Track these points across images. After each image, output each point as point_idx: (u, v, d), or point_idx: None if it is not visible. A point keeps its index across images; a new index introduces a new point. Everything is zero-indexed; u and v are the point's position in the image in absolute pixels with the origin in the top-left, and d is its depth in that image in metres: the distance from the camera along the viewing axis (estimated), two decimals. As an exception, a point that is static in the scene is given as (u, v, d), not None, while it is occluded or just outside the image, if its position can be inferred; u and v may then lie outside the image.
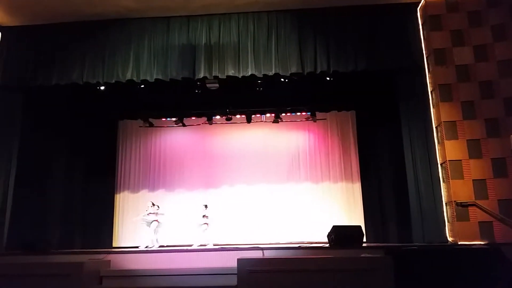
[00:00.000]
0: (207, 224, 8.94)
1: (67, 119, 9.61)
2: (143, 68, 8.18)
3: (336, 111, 10.77)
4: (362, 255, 5.78)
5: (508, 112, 7.21)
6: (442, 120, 7.45)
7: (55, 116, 9.31)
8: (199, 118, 10.87)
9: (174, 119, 10.74)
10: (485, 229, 6.82)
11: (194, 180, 10.70)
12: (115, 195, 10.58)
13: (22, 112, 8.44)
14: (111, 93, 9.23)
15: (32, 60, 8.37)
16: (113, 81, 8.22)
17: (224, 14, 8.38)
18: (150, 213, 9.02)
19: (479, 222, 6.87)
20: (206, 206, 9.15)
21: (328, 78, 8.87)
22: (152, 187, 10.76)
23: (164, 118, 11.01)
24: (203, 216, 8.98)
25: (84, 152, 10.05)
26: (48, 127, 9.14)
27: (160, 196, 10.62)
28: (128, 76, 8.15)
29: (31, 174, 8.58)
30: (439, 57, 7.72)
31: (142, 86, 8.83)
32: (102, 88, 8.88)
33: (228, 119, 10.63)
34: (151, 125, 10.91)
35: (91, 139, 10.16)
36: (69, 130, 9.70)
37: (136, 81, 8.24)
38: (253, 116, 10.68)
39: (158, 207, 9.16)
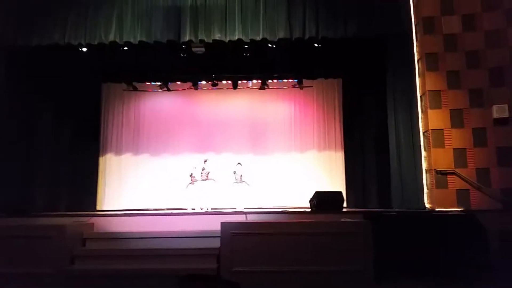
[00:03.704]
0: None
1: (50, 81, 9.38)
2: (127, 29, 7.97)
3: (323, 79, 10.71)
4: (342, 220, 5.92)
5: (493, 83, 7.29)
6: (427, 89, 7.51)
7: (39, 78, 9.07)
8: (184, 83, 10.71)
9: (158, 83, 10.59)
10: (462, 196, 7.04)
11: (179, 146, 10.65)
12: (99, 158, 10.50)
13: (5, 73, 8.21)
14: (94, 55, 8.99)
15: (12, 20, 8.07)
16: (96, 42, 8.01)
17: (211, -26, 8.13)
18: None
19: (457, 190, 7.09)
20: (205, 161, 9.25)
21: (316, 45, 8.75)
22: (136, 151, 10.69)
23: (148, 82, 10.83)
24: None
25: (68, 114, 9.87)
26: (32, 90, 8.92)
27: (145, 160, 10.61)
28: (111, 38, 7.94)
29: (14, 136, 8.45)
30: (427, 25, 7.68)
31: (126, 48, 8.62)
32: (85, 49, 8.64)
33: (214, 85, 10.50)
34: (135, 89, 10.72)
35: (75, 102, 9.94)
36: (53, 92, 9.48)
37: (119, 43, 8.04)
38: (239, 82, 10.57)
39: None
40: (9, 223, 6.03)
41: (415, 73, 7.88)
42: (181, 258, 5.37)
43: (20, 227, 5.74)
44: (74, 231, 5.69)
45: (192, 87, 10.58)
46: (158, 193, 10.18)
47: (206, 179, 8.96)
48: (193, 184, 8.99)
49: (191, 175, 9.07)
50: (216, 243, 5.37)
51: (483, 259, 5.00)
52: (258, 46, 8.45)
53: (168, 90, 10.63)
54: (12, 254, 5.31)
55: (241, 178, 9.06)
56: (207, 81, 10.56)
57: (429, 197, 7.33)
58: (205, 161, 9.24)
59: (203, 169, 9.07)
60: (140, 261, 5.40)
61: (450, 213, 6.37)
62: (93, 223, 6.21)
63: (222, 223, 5.36)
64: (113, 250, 5.63)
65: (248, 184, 9.06)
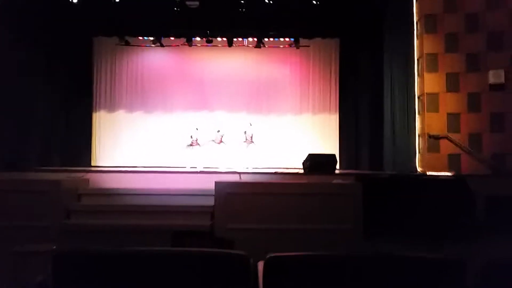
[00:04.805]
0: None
1: (40, 35, 9.09)
2: (118, -20, 7.70)
3: (320, 38, 10.52)
4: (334, 181, 6.01)
5: (490, 47, 7.23)
6: (424, 52, 7.44)
7: (28, 33, 8.78)
8: (178, 39, 10.47)
9: (151, 38, 10.35)
10: (453, 161, 7.16)
11: (172, 103, 10.58)
12: (92, 114, 10.42)
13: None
14: (85, 7, 8.71)
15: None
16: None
17: None
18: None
19: (448, 154, 7.19)
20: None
21: (314, 2, 8.53)
22: (130, 107, 10.62)
23: (141, 36, 10.56)
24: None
25: (60, 69, 9.67)
26: (24, 44, 8.65)
27: (138, 117, 10.55)
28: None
29: (7, 91, 8.29)
30: (427, -15, 7.51)
31: (117, 0, 8.34)
32: (75, 1, 8.35)
33: (209, 41, 10.28)
34: (127, 43, 10.47)
35: (66, 56, 9.72)
36: (43, 47, 9.22)
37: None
38: (234, 40, 10.36)
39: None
40: (3, 177, 6.04)
41: (413, 35, 7.78)
42: (176, 214, 5.46)
43: (15, 181, 5.74)
44: (69, 186, 5.72)
45: (186, 44, 10.36)
46: (151, 150, 10.22)
47: (219, 142, 9.01)
48: (193, 146, 9.02)
49: (191, 137, 9.09)
50: (210, 201, 5.44)
51: (469, 222, 5.15)
52: (255, 1, 8.22)
53: (161, 45, 10.41)
54: (7, 208, 5.34)
55: (251, 138, 9.13)
56: (201, 37, 10.33)
57: (421, 161, 7.44)
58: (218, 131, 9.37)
59: (218, 131, 9.09)
60: (135, 216, 5.47)
61: (440, 177, 6.48)
62: (88, 179, 6.24)
63: (216, 182, 5.41)
64: (109, 205, 5.68)
65: (255, 145, 9.15)
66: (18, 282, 3.80)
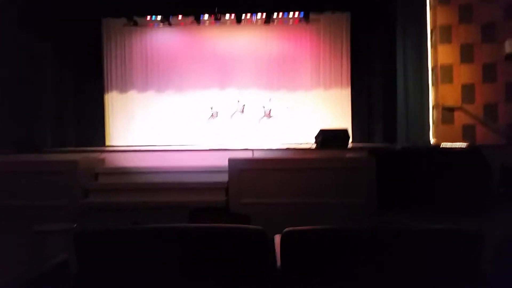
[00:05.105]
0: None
1: (49, 18, 9.08)
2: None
3: (331, 12, 10.30)
4: (347, 155, 6.01)
5: (506, 17, 7.03)
6: (437, 24, 7.27)
7: (37, 16, 8.77)
8: (186, 18, 10.38)
9: (159, 18, 10.27)
10: (468, 132, 7.10)
11: (183, 81, 10.57)
12: (104, 95, 10.47)
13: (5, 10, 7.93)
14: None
15: None
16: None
17: None
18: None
19: (463, 125, 7.12)
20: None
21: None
22: (141, 87, 10.63)
23: (149, 15, 10.47)
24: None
25: (70, 52, 9.69)
26: (32, 29, 8.66)
27: (150, 97, 10.58)
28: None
29: (19, 74, 8.36)
30: (441, -46, 7.28)
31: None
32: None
33: (217, 19, 10.17)
34: (136, 24, 10.41)
35: (76, 39, 9.71)
36: (53, 30, 9.23)
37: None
38: (243, 16, 10.21)
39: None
40: (21, 158, 6.16)
41: (426, 6, 7.59)
42: (191, 191, 5.56)
43: (33, 162, 5.86)
44: (86, 166, 5.82)
45: (195, 22, 10.27)
46: (165, 129, 10.29)
47: (242, 111, 9.10)
48: (213, 117, 9.11)
49: (211, 109, 9.13)
50: (225, 178, 5.52)
51: (485, 192, 5.13)
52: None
53: (170, 25, 10.34)
54: (26, 189, 5.47)
55: (269, 112, 9.19)
56: (209, 15, 10.21)
57: (435, 132, 7.38)
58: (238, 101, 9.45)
59: (238, 101, 9.12)
60: (152, 194, 5.59)
61: (454, 148, 6.43)
62: (104, 159, 6.34)
63: (229, 159, 5.47)
64: (126, 184, 5.80)
65: (275, 119, 9.21)
66: (37, 260, 3.91)
